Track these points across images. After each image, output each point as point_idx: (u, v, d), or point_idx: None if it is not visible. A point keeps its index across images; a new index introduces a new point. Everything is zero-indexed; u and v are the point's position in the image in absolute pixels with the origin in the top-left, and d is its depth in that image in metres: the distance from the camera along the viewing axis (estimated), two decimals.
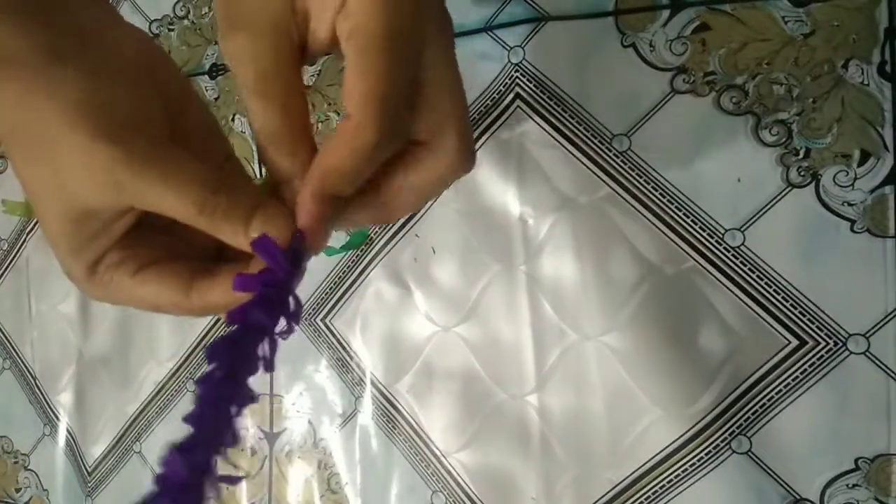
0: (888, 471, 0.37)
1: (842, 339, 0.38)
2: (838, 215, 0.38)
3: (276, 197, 0.24)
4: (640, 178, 0.42)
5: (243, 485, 0.55)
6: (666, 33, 0.41)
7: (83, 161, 0.21)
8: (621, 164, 0.42)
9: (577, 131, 0.43)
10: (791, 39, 0.39)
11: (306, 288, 0.52)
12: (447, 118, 0.24)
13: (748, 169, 0.40)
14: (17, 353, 0.66)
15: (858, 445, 0.38)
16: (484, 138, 0.46)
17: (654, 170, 0.42)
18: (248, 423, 0.54)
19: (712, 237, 0.40)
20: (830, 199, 0.38)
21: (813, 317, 0.39)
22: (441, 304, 0.47)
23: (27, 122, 0.21)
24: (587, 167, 0.43)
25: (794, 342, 0.39)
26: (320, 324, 0.51)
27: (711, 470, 0.40)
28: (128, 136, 0.21)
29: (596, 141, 0.43)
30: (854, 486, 0.38)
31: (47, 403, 0.64)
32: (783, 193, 0.39)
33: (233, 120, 0.55)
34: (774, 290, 0.39)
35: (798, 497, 0.39)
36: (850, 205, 0.38)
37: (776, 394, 0.39)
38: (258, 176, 0.54)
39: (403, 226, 0.48)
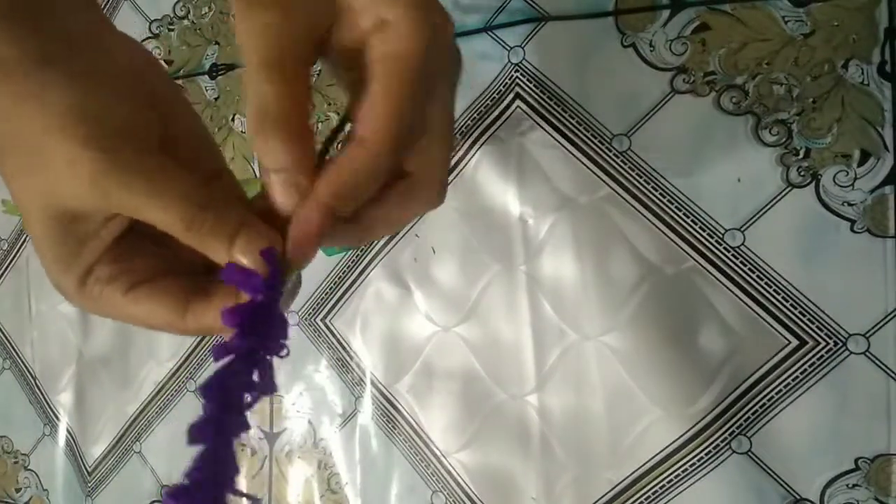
0: (888, 471, 0.37)
1: (842, 339, 0.38)
2: (838, 215, 0.38)
3: (269, 205, 0.24)
4: (640, 178, 0.42)
5: (243, 485, 0.55)
6: (666, 33, 0.41)
7: (70, 168, 0.21)
8: (621, 164, 0.42)
9: (577, 131, 0.43)
10: (791, 39, 0.39)
11: (306, 288, 0.52)
12: (438, 156, 0.25)
13: (748, 169, 0.40)
14: (17, 353, 0.66)
15: (858, 445, 0.38)
16: (484, 138, 0.46)
17: (654, 170, 0.42)
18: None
19: (712, 237, 0.40)
20: (830, 199, 0.38)
21: (813, 317, 0.39)
22: (441, 304, 0.47)
23: (16, 129, 0.21)
24: (587, 167, 0.43)
25: (794, 342, 0.39)
26: (320, 324, 0.51)
27: (711, 470, 0.40)
28: (117, 144, 0.21)
29: (596, 141, 0.43)
30: (854, 486, 0.38)
31: (47, 403, 0.64)
32: (783, 193, 0.39)
33: (233, 120, 0.55)
34: (774, 290, 0.39)
35: (798, 497, 0.39)
36: (850, 205, 0.38)
37: (776, 394, 0.39)
38: (258, 176, 0.54)
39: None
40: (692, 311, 0.41)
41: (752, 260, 0.40)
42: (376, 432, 0.50)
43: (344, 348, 0.51)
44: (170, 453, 0.58)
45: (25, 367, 0.65)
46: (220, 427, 0.20)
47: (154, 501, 0.58)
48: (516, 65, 0.45)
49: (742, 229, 0.40)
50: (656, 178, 0.42)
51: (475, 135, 0.46)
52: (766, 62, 0.39)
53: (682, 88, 0.41)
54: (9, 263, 0.66)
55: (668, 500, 0.41)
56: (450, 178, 0.46)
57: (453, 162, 0.47)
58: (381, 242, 0.49)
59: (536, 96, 0.44)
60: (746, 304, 0.40)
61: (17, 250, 0.65)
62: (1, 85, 0.21)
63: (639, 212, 0.42)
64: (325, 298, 0.51)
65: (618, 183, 0.42)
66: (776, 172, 0.39)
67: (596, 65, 0.43)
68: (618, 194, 0.42)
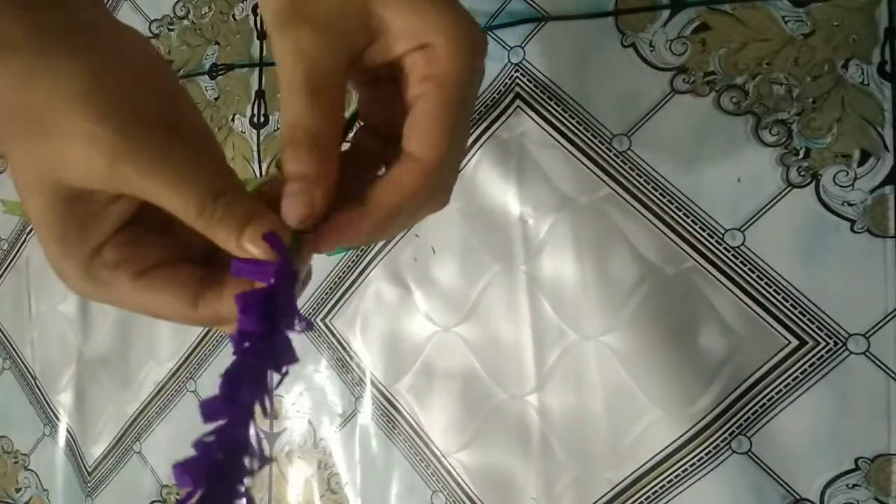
0: (888, 471, 0.37)
1: (842, 339, 0.38)
2: (838, 215, 0.38)
3: (266, 200, 0.24)
4: (640, 178, 0.42)
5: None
6: (666, 33, 0.41)
7: (86, 145, 0.21)
8: (621, 164, 0.42)
9: (577, 131, 0.43)
10: (791, 39, 0.39)
11: (306, 288, 0.51)
12: (454, 169, 0.26)
13: (748, 169, 0.40)
14: (17, 353, 0.66)
15: (858, 445, 0.38)
16: (484, 138, 0.46)
17: (654, 170, 0.42)
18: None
19: (712, 237, 0.40)
20: (830, 199, 0.38)
21: (813, 317, 0.39)
22: (441, 304, 0.47)
23: (27, 103, 0.21)
24: (587, 167, 0.43)
25: (794, 342, 0.39)
26: (320, 324, 0.51)
27: (711, 470, 0.40)
28: (131, 124, 0.21)
29: (596, 141, 0.43)
30: (854, 486, 0.38)
31: (47, 403, 0.64)
32: (783, 193, 0.39)
33: (233, 120, 0.55)
34: (774, 290, 0.39)
35: (798, 497, 0.39)
36: (850, 205, 0.38)
37: (776, 394, 0.39)
38: (258, 176, 0.54)
39: None
40: (692, 311, 0.41)
41: (752, 260, 0.40)
42: (376, 432, 0.50)
43: (344, 348, 0.51)
44: (170, 453, 0.58)
45: (25, 367, 0.65)
46: (234, 400, 0.20)
47: (154, 501, 0.58)
48: (516, 65, 0.45)
49: (742, 229, 0.40)
50: (656, 178, 0.42)
51: (475, 135, 0.46)
52: (766, 62, 0.39)
53: (682, 88, 0.41)
54: (9, 263, 0.66)
55: (668, 500, 0.41)
56: None
57: None
58: (382, 242, 0.49)
59: (536, 96, 0.44)
60: (746, 304, 0.40)
61: (17, 250, 0.65)
62: (9, 58, 0.21)
63: (639, 212, 0.42)
64: (325, 298, 0.51)
65: (618, 183, 0.42)
66: (776, 172, 0.39)
67: (596, 65, 0.43)
68: (618, 194, 0.42)
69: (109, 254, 0.23)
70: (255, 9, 0.54)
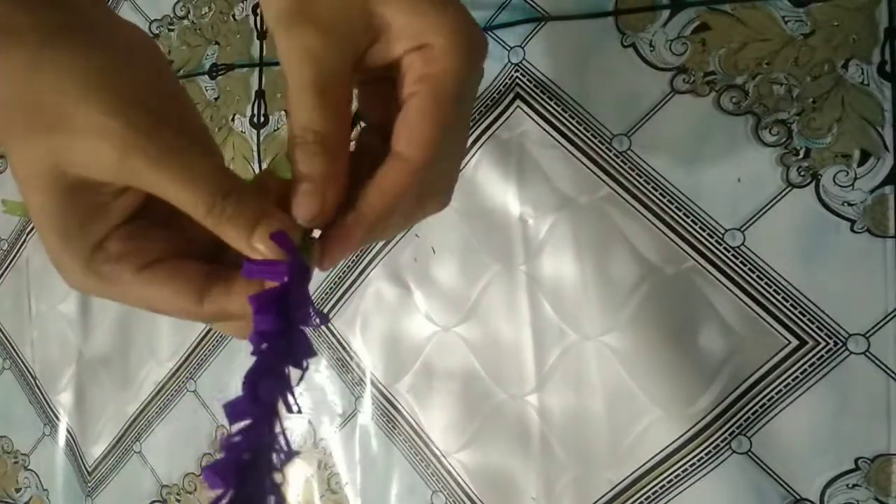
0: (888, 471, 0.37)
1: (842, 339, 0.38)
2: (838, 215, 0.38)
3: (265, 195, 0.24)
4: (640, 178, 0.42)
5: None
6: (666, 33, 0.41)
7: (96, 136, 0.21)
8: (621, 164, 0.42)
9: (577, 131, 0.43)
10: (791, 39, 0.39)
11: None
12: (452, 165, 0.26)
13: (748, 169, 0.40)
14: (17, 353, 0.66)
15: (858, 445, 0.38)
16: (484, 138, 0.46)
17: (654, 170, 0.42)
18: None
19: (712, 237, 0.40)
20: (830, 199, 0.38)
21: (813, 317, 0.39)
22: (441, 304, 0.47)
23: (32, 96, 0.21)
24: (587, 167, 0.43)
25: (794, 342, 0.39)
26: (318, 326, 0.51)
27: (711, 470, 0.40)
28: (141, 117, 0.21)
29: (596, 141, 0.43)
30: (854, 486, 0.38)
31: (47, 403, 0.64)
32: (783, 193, 0.39)
33: (233, 120, 0.55)
34: (774, 290, 0.39)
35: (798, 497, 0.39)
36: (850, 205, 0.38)
37: (776, 394, 0.39)
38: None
39: None
40: (692, 311, 0.41)
41: (752, 260, 0.40)
42: (376, 432, 0.50)
43: (344, 348, 0.51)
44: (170, 453, 0.58)
45: (25, 367, 0.65)
46: (258, 399, 0.20)
47: (154, 501, 0.58)
48: (516, 65, 0.45)
49: (742, 229, 0.40)
50: (656, 178, 0.42)
51: (475, 135, 0.46)
52: (766, 62, 0.39)
53: (682, 88, 0.41)
54: (9, 263, 0.66)
55: (668, 500, 0.41)
56: None
57: None
58: (382, 242, 0.49)
59: (536, 96, 0.44)
60: (746, 304, 0.40)
61: (17, 250, 0.65)
62: (13, 51, 0.21)
63: (639, 212, 0.42)
64: (325, 298, 0.51)
65: (618, 183, 0.42)
66: (776, 172, 0.39)
67: (596, 65, 0.43)
68: (618, 194, 0.42)
69: (113, 247, 0.23)
70: (255, 9, 0.54)
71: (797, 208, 0.39)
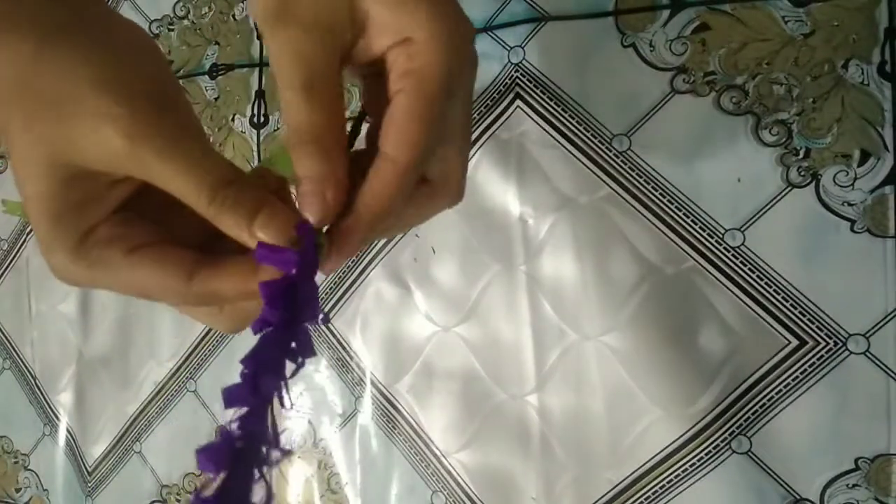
0: (888, 471, 0.37)
1: (842, 339, 0.38)
2: (838, 215, 0.38)
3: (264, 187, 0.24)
4: (640, 178, 0.42)
5: None
6: (666, 33, 0.41)
7: (103, 126, 0.21)
8: (621, 164, 0.42)
9: (577, 131, 0.43)
10: (791, 39, 0.39)
11: None
12: (456, 167, 0.26)
13: (748, 169, 0.40)
14: (17, 353, 0.66)
15: (858, 445, 0.38)
16: (484, 138, 0.46)
17: (654, 170, 0.42)
18: None
19: (712, 237, 0.40)
20: (830, 199, 0.38)
21: (813, 317, 0.39)
22: (441, 304, 0.47)
23: (39, 84, 0.21)
24: (587, 167, 0.43)
25: (794, 342, 0.39)
26: (320, 324, 0.51)
27: (711, 470, 0.40)
28: (148, 107, 0.21)
29: (596, 141, 0.43)
30: (854, 486, 0.38)
31: (47, 403, 0.64)
32: (783, 193, 0.39)
33: (233, 120, 0.55)
34: (774, 290, 0.39)
35: (798, 497, 0.39)
36: (850, 205, 0.38)
37: (776, 394, 0.39)
38: None
39: None
40: (692, 311, 0.41)
41: (752, 260, 0.40)
42: (376, 432, 0.50)
43: (344, 348, 0.51)
44: (170, 453, 0.58)
45: (25, 367, 0.65)
46: (256, 388, 0.20)
47: (154, 501, 0.58)
48: (516, 65, 0.45)
49: (742, 229, 0.40)
50: (656, 178, 0.42)
51: (475, 135, 0.46)
52: (766, 62, 0.39)
53: (682, 88, 0.41)
54: (9, 263, 0.66)
55: (668, 500, 0.41)
56: None
57: None
58: (381, 242, 0.49)
59: (536, 96, 0.44)
60: (746, 304, 0.40)
61: (17, 250, 0.65)
62: (20, 43, 0.21)
63: (639, 212, 0.42)
64: (325, 298, 0.51)
65: (618, 183, 0.42)
66: (776, 172, 0.39)
67: (596, 65, 0.43)
68: (618, 194, 0.42)
69: (103, 231, 0.23)
70: None
71: (797, 208, 0.39)
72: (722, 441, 0.40)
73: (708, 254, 0.40)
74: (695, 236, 0.41)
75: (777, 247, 0.39)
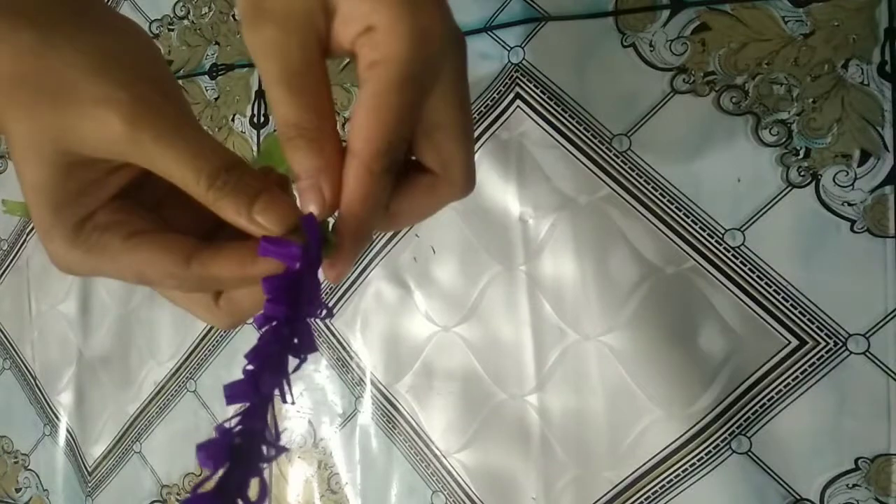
0: (888, 471, 0.37)
1: (842, 339, 0.38)
2: (838, 215, 0.38)
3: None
4: (640, 178, 0.42)
5: None
6: (666, 33, 0.41)
7: (105, 111, 0.21)
8: (621, 164, 0.42)
9: (577, 131, 0.43)
10: (791, 39, 0.39)
11: None
12: (455, 155, 0.25)
13: (748, 169, 0.40)
14: (17, 353, 0.66)
15: (858, 445, 0.38)
16: (484, 138, 0.46)
17: (654, 170, 0.42)
18: None
19: (712, 237, 0.40)
20: (830, 199, 0.38)
21: (813, 317, 0.39)
22: (441, 304, 0.47)
23: (41, 71, 0.21)
24: (587, 167, 0.43)
25: (794, 342, 0.39)
26: (320, 324, 0.51)
27: (711, 470, 0.40)
28: (148, 93, 0.22)
29: (596, 141, 0.43)
30: (854, 486, 0.38)
31: (47, 403, 0.64)
32: (783, 193, 0.39)
33: (233, 120, 0.55)
34: (774, 290, 0.39)
35: (798, 497, 0.39)
36: (850, 205, 0.38)
37: (776, 394, 0.39)
38: None
39: None
40: (692, 311, 0.41)
41: (752, 260, 0.40)
42: (376, 432, 0.50)
43: (344, 348, 0.51)
44: (170, 453, 0.58)
45: (25, 367, 0.65)
46: (257, 385, 0.20)
47: (154, 501, 0.58)
48: (516, 65, 0.45)
49: (742, 229, 0.40)
50: (656, 178, 0.42)
51: (475, 135, 0.46)
52: (766, 62, 0.39)
53: (682, 88, 0.41)
54: (9, 263, 0.66)
55: (668, 500, 0.41)
56: None
57: None
58: (381, 242, 0.49)
59: (536, 96, 0.44)
60: (746, 304, 0.40)
61: (17, 250, 0.65)
62: (22, 31, 0.21)
63: (639, 212, 0.42)
64: (325, 298, 0.51)
65: (618, 183, 0.42)
66: (776, 172, 0.39)
67: (596, 65, 0.43)
68: (618, 194, 0.42)
69: (102, 217, 0.24)
70: None
71: (797, 208, 0.39)
72: (722, 441, 0.40)
73: (708, 254, 0.40)
74: (695, 236, 0.41)
75: (777, 247, 0.39)
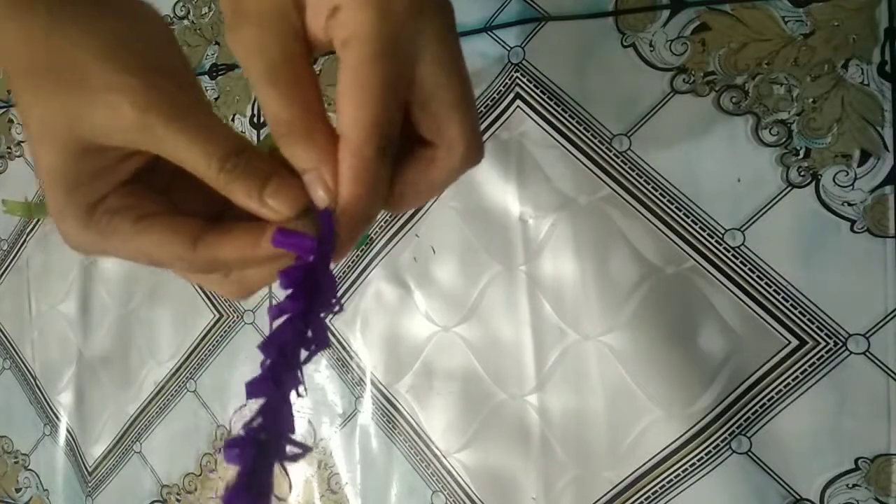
0: (888, 471, 0.37)
1: (842, 339, 0.38)
2: (838, 215, 0.38)
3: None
4: (640, 178, 0.42)
5: None
6: (666, 33, 0.41)
7: (116, 96, 0.21)
8: (621, 164, 0.42)
9: (577, 131, 0.43)
10: (791, 39, 0.39)
11: None
12: (451, 121, 0.24)
13: (748, 169, 0.40)
14: (17, 353, 0.66)
15: (858, 445, 0.38)
16: (484, 138, 0.46)
17: (654, 170, 0.42)
18: None
19: (712, 237, 0.40)
20: (830, 199, 0.38)
21: (813, 317, 0.39)
22: (441, 304, 0.47)
23: (53, 56, 0.22)
24: (587, 167, 0.43)
25: (794, 342, 0.39)
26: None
27: (711, 470, 0.40)
28: (159, 78, 0.22)
29: (596, 141, 0.43)
30: (854, 486, 0.38)
31: (47, 403, 0.64)
32: (783, 193, 0.39)
33: (233, 120, 0.55)
34: (774, 290, 0.39)
35: (798, 497, 0.39)
36: (850, 205, 0.38)
37: (776, 394, 0.39)
38: None
39: (403, 226, 0.48)
40: (692, 311, 0.41)
41: (752, 260, 0.40)
42: (376, 432, 0.50)
43: (344, 348, 0.51)
44: (170, 453, 0.58)
45: (25, 367, 0.65)
46: (278, 381, 0.20)
47: (154, 501, 0.58)
48: (516, 65, 0.45)
49: (742, 229, 0.40)
50: (656, 178, 0.42)
51: None
52: (766, 62, 0.39)
53: (682, 88, 0.41)
54: (9, 263, 0.66)
55: (668, 500, 0.41)
56: None
57: None
58: (381, 242, 0.49)
59: (536, 96, 0.44)
60: (746, 304, 0.40)
61: (17, 250, 0.65)
62: (34, 16, 0.22)
63: (639, 212, 0.42)
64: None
65: (618, 183, 0.42)
66: (776, 172, 0.39)
67: (596, 65, 0.43)
68: (618, 194, 0.42)
69: (113, 201, 0.24)
70: None
71: (797, 208, 0.39)
72: (722, 441, 0.40)
73: (708, 254, 0.40)
74: (695, 236, 0.41)
75: (777, 247, 0.39)
